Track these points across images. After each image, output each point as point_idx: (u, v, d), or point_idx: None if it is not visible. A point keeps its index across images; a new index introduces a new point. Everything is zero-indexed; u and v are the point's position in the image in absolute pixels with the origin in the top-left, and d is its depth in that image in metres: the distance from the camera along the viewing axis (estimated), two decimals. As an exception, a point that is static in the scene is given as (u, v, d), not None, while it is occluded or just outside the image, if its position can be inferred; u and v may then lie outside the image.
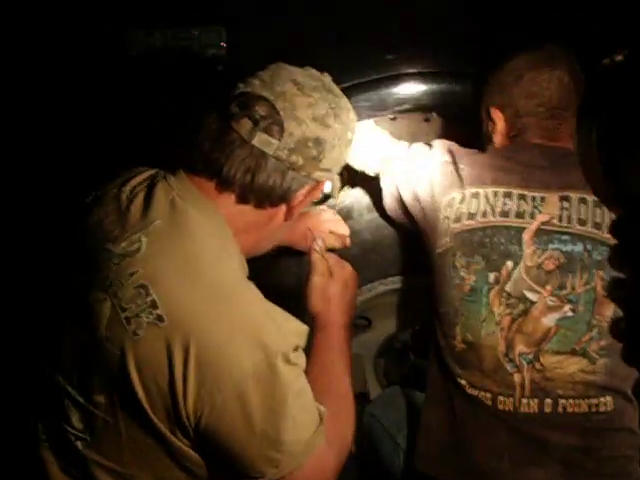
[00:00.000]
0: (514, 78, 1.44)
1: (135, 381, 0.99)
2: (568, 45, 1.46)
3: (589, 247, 1.33)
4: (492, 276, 1.34)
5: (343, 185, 1.45)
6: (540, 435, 1.33)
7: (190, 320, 0.98)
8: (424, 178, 1.47)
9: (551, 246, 1.33)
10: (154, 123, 1.55)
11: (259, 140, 1.05)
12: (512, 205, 1.36)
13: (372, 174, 1.59)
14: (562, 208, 1.35)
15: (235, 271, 1.07)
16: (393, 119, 1.69)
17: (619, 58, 0.54)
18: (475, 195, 1.39)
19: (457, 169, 1.43)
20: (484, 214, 1.37)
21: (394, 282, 1.75)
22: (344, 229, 1.59)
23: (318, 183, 1.13)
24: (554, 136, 1.42)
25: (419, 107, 1.66)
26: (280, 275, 1.65)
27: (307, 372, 1.09)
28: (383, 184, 1.57)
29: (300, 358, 1.06)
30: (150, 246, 1.04)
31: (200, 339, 0.97)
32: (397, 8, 1.63)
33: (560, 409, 1.32)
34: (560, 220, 1.34)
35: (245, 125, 1.05)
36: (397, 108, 1.66)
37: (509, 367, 1.33)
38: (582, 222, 1.34)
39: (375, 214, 1.70)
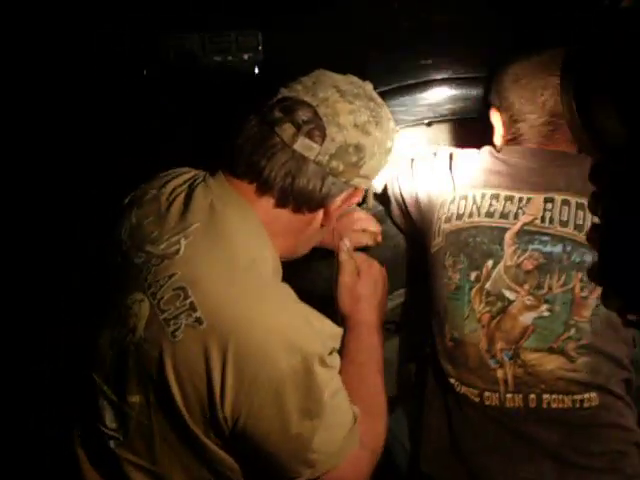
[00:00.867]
0: (511, 81, 1.46)
1: (172, 383, 1.00)
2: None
3: (569, 249, 1.35)
4: (474, 275, 1.40)
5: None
6: (527, 430, 1.37)
7: (228, 323, 0.99)
8: (424, 183, 1.55)
9: (531, 246, 1.36)
10: (187, 128, 1.57)
11: (301, 144, 1.06)
12: (498, 206, 1.41)
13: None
14: (545, 209, 1.37)
15: (271, 274, 1.08)
16: (428, 125, 1.72)
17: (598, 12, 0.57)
18: (464, 197, 1.45)
19: (452, 173, 1.50)
20: (470, 214, 1.43)
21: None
22: (375, 226, 1.61)
23: (356, 189, 1.14)
24: (548, 142, 1.44)
25: (455, 112, 1.68)
26: (312, 279, 1.68)
27: (340, 372, 1.10)
28: (389, 192, 1.65)
29: (335, 360, 1.07)
30: (189, 248, 1.05)
31: (238, 342, 0.98)
32: (431, 13, 1.67)
33: (544, 404, 1.35)
34: (542, 221, 1.37)
35: (287, 129, 1.06)
36: (431, 114, 1.68)
37: (492, 363, 1.39)
38: (563, 223, 1.36)
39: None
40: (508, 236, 1.38)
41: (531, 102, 1.43)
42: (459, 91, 1.67)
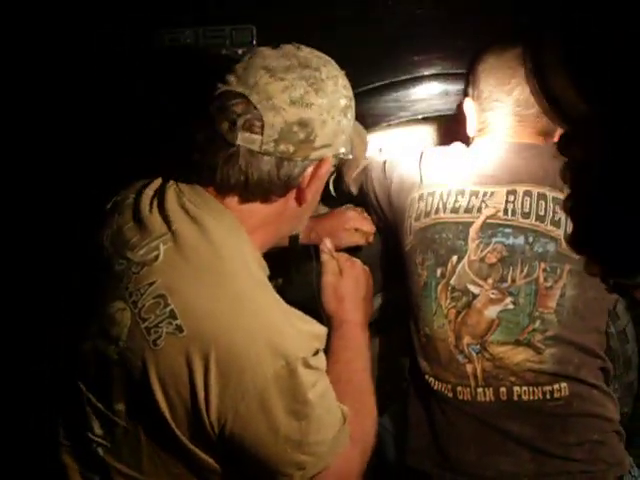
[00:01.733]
0: (483, 69, 1.46)
1: (156, 391, 1.00)
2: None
3: (531, 239, 1.33)
4: (439, 271, 1.40)
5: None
6: (501, 424, 1.36)
7: (209, 330, 0.98)
8: (395, 183, 1.56)
9: (494, 240, 1.36)
10: (187, 128, 1.57)
11: (242, 139, 1.03)
12: (463, 201, 1.40)
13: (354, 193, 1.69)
14: (507, 201, 1.36)
15: (253, 276, 1.07)
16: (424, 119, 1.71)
17: None
18: (432, 194, 1.45)
19: (421, 171, 1.50)
20: (437, 211, 1.43)
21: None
22: (369, 226, 1.62)
23: (322, 160, 1.09)
24: (514, 133, 1.43)
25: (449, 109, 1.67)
26: (293, 279, 1.68)
27: (327, 372, 1.09)
28: (365, 195, 1.66)
29: (320, 361, 1.06)
30: (167, 254, 1.04)
31: (220, 349, 0.97)
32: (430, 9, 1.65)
33: (515, 397, 1.34)
34: (505, 213, 1.36)
35: (225, 127, 1.04)
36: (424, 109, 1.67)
37: (460, 358, 1.38)
38: (525, 215, 1.35)
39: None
40: (472, 230, 1.38)
41: (499, 90, 1.43)
42: (452, 87, 1.66)
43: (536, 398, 1.34)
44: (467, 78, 1.53)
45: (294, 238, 1.47)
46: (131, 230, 1.10)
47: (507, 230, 1.35)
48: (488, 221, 1.37)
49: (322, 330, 1.09)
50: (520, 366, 1.33)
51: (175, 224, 1.07)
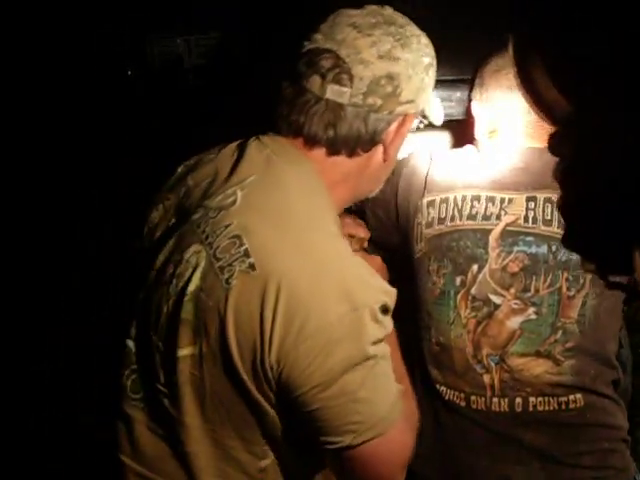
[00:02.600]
0: (492, 72, 1.43)
1: (225, 330, 1.00)
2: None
3: (554, 248, 1.31)
4: (459, 279, 1.37)
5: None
6: (514, 433, 1.35)
7: (280, 269, 0.98)
8: (402, 188, 1.50)
9: (516, 248, 1.33)
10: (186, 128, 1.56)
11: (331, 92, 1.06)
12: (479, 208, 1.37)
13: None
14: (528, 209, 1.34)
15: (326, 225, 1.07)
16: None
17: None
18: (445, 200, 1.41)
19: (431, 175, 1.45)
20: (452, 218, 1.39)
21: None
22: (363, 232, 1.54)
23: (406, 116, 1.11)
24: (532, 133, 1.40)
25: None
26: None
27: None
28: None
29: (388, 321, 1.03)
30: (245, 199, 1.06)
31: (287, 289, 0.97)
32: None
33: (530, 408, 1.33)
34: (525, 221, 1.34)
35: (315, 81, 1.06)
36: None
37: (478, 368, 1.36)
38: (547, 223, 1.32)
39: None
40: (492, 238, 1.35)
41: (510, 90, 1.39)
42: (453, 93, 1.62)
43: (551, 409, 1.33)
44: (473, 81, 1.49)
45: None
46: (210, 183, 1.12)
47: (529, 238, 1.33)
48: (508, 228, 1.34)
49: (393, 289, 1.05)
50: (539, 378, 1.32)
51: (255, 172, 1.08)
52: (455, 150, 1.51)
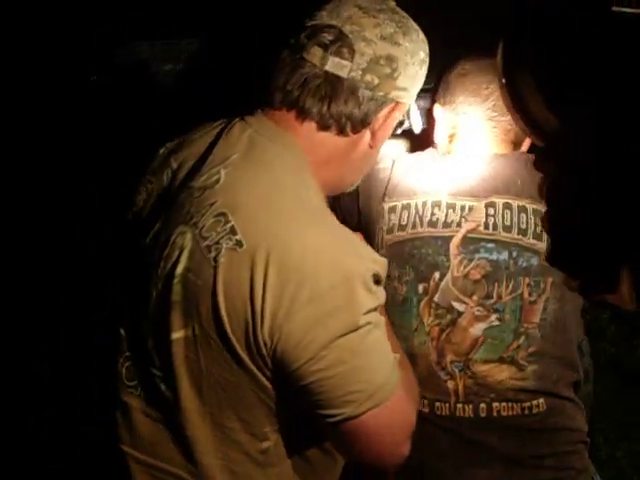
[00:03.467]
0: (459, 76, 1.43)
1: (217, 309, 0.99)
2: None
3: (514, 254, 1.32)
4: (421, 287, 1.36)
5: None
6: (479, 438, 1.35)
7: (268, 244, 0.97)
8: (364, 193, 1.49)
9: (477, 255, 1.33)
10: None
11: (332, 64, 1.06)
12: (440, 215, 1.36)
13: None
14: (488, 215, 1.34)
15: (312, 199, 1.06)
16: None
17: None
18: (406, 207, 1.40)
19: (393, 180, 1.44)
20: (414, 225, 1.38)
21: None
22: None
23: (397, 104, 1.12)
24: (494, 139, 1.41)
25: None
26: None
27: None
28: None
29: (380, 292, 1.02)
30: (228, 177, 1.05)
31: (278, 262, 0.96)
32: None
33: (495, 413, 1.34)
34: (486, 227, 1.34)
35: (316, 53, 1.07)
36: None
37: (442, 375, 1.36)
38: (507, 229, 1.33)
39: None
40: (453, 246, 1.35)
41: (475, 94, 1.40)
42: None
43: (515, 414, 1.34)
44: (437, 86, 1.49)
45: None
46: (193, 164, 1.12)
47: (490, 245, 1.33)
48: (469, 235, 1.34)
49: (382, 259, 1.06)
50: (503, 384, 1.33)
51: (238, 151, 1.08)
52: (417, 154, 1.49)
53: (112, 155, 1.60)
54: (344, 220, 1.53)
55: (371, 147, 1.13)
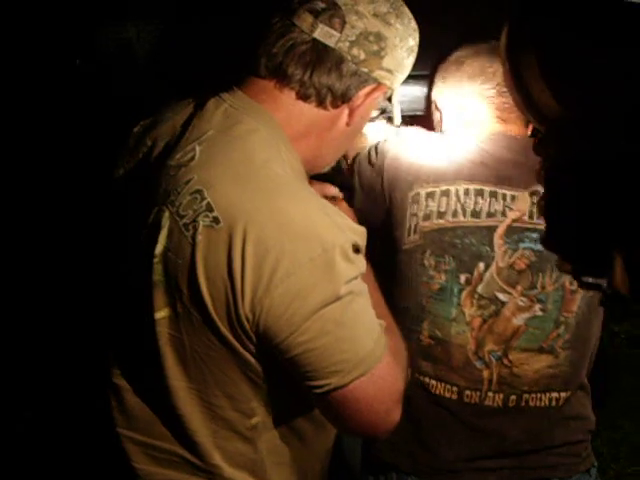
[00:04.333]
0: (456, 65, 1.42)
1: (198, 287, 0.98)
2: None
3: None
4: (463, 277, 1.33)
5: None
6: (499, 429, 1.37)
7: (244, 219, 0.96)
8: (388, 169, 1.42)
9: (522, 245, 1.31)
10: None
11: (320, 32, 1.04)
12: (483, 204, 1.33)
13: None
14: (532, 203, 1.32)
15: (288, 172, 1.04)
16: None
17: None
18: (445, 193, 1.35)
19: (423, 162, 1.38)
20: (454, 214, 1.34)
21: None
22: (334, 191, 1.45)
23: (379, 85, 1.09)
24: (506, 117, 1.38)
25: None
26: None
27: None
28: (356, 174, 1.51)
29: (360, 260, 1.00)
30: (204, 153, 1.03)
31: (255, 236, 0.95)
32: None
33: (523, 403, 1.36)
34: (530, 217, 1.32)
35: (306, 18, 1.04)
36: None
37: (478, 364, 1.35)
38: None
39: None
40: (497, 236, 1.32)
41: (482, 74, 1.38)
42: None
43: (542, 405, 1.36)
44: (438, 71, 1.46)
45: None
46: (168, 141, 1.10)
47: (534, 235, 1.31)
48: (513, 225, 1.32)
49: (361, 228, 1.03)
50: (538, 372, 1.35)
51: (212, 127, 1.06)
52: (443, 137, 1.43)
53: (98, 139, 1.55)
54: (364, 194, 1.47)
55: (348, 125, 1.11)
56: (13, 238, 1.63)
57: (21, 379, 1.68)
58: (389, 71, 1.09)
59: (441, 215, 1.34)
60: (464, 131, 1.42)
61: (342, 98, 1.07)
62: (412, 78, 1.47)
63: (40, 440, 1.62)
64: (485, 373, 1.35)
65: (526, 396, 1.35)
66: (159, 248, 1.02)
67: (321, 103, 1.07)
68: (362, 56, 1.05)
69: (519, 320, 1.32)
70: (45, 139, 1.57)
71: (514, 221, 1.32)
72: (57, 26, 1.53)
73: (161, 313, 1.03)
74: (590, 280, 0.64)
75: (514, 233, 1.32)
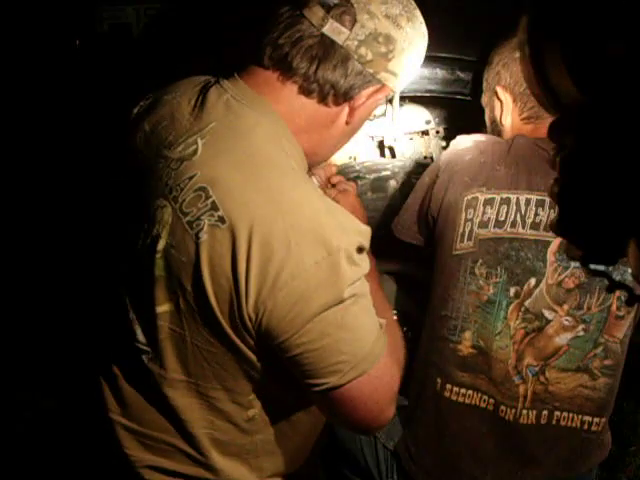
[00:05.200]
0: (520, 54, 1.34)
1: (202, 285, 0.97)
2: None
3: (610, 266, 1.30)
4: (513, 290, 1.31)
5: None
6: (529, 448, 1.36)
7: (250, 219, 0.95)
8: (446, 170, 1.37)
9: (573, 264, 1.29)
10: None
11: (330, 28, 1.02)
12: (543, 216, 1.30)
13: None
14: None
15: (294, 169, 1.02)
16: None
17: None
18: (505, 201, 1.31)
19: (485, 167, 1.33)
20: (513, 224, 1.30)
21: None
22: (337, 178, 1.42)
23: (383, 86, 1.08)
24: None
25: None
26: None
27: None
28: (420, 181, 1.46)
29: (364, 260, 1.00)
30: (207, 148, 1.01)
31: (260, 239, 0.94)
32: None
33: (554, 421, 1.35)
34: None
35: (317, 12, 1.02)
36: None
37: (516, 379, 1.33)
38: None
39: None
40: (550, 252, 1.29)
41: None
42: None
43: (574, 426, 1.35)
44: (492, 69, 1.42)
45: None
46: (167, 129, 1.07)
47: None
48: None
49: (366, 228, 1.03)
50: (572, 392, 1.34)
51: (215, 119, 1.04)
52: (504, 139, 1.38)
53: (96, 122, 1.53)
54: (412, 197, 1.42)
55: (347, 123, 1.10)
56: (13, 227, 1.61)
57: (21, 379, 1.69)
58: (394, 74, 1.08)
59: (499, 224, 1.30)
60: (522, 127, 1.39)
61: (344, 96, 1.06)
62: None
63: (40, 440, 1.64)
64: (521, 389, 1.33)
65: (557, 414, 1.34)
66: (162, 244, 1.01)
67: (323, 99, 1.05)
68: (369, 56, 1.04)
69: (562, 340, 1.31)
70: (44, 122, 1.55)
71: None
72: (57, 8, 1.51)
73: (163, 307, 1.03)
74: (599, 268, 0.65)
75: None
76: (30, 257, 1.64)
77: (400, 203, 1.52)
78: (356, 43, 1.03)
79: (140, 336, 1.08)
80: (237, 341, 1.00)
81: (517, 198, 1.30)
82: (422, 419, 1.40)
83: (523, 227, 1.30)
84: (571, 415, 1.35)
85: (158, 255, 1.02)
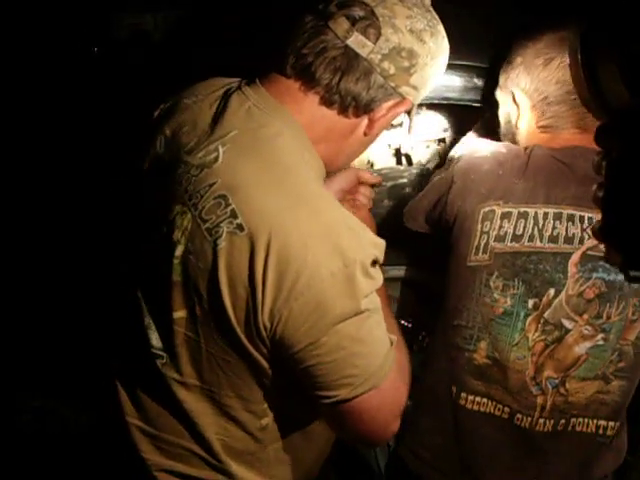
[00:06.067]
0: (543, 61, 1.33)
1: (219, 292, 0.98)
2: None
3: None
4: (531, 302, 1.30)
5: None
6: (545, 454, 1.36)
7: (269, 228, 0.95)
8: (457, 182, 1.36)
9: (594, 275, 1.29)
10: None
11: (354, 40, 1.03)
12: (561, 229, 1.28)
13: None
14: None
15: (313, 179, 1.03)
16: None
17: None
18: (523, 215, 1.29)
19: (502, 179, 1.32)
20: (531, 238, 1.29)
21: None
22: (374, 178, 1.40)
23: (403, 100, 1.09)
24: (585, 125, 1.33)
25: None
26: None
27: None
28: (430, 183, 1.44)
29: (378, 273, 1.01)
30: (228, 155, 1.02)
31: (278, 248, 0.94)
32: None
33: (570, 427, 1.35)
34: None
35: (342, 24, 1.03)
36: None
37: (534, 390, 1.33)
38: None
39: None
40: (571, 263, 1.28)
41: (568, 83, 1.30)
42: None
43: (589, 431, 1.36)
44: (511, 71, 1.39)
45: None
46: (187, 134, 1.08)
47: (608, 264, 1.29)
48: (588, 253, 1.29)
49: (381, 241, 1.04)
50: (590, 398, 1.34)
51: (237, 127, 1.04)
52: (523, 154, 1.36)
53: (114, 128, 1.54)
54: (424, 203, 1.41)
55: (365, 135, 1.11)
56: (28, 228, 1.64)
57: (22, 378, 1.71)
58: (415, 88, 1.09)
59: (517, 238, 1.29)
60: (538, 135, 1.37)
61: (365, 108, 1.07)
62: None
63: (42, 437, 1.67)
64: (540, 399, 1.34)
65: (573, 420, 1.35)
66: (180, 249, 1.02)
67: (343, 110, 1.06)
68: (392, 70, 1.05)
69: (581, 349, 1.31)
70: (61, 128, 1.55)
71: (589, 249, 1.29)
72: (76, 14, 1.51)
73: (179, 313, 1.04)
74: (639, 274, 0.64)
75: (589, 262, 1.29)
76: (46, 259, 1.66)
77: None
78: (379, 57, 1.04)
79: (155, 341, 1.09)
80: (252, 350, 1.01)
81: (535, 212, 1.29)
82: (437, 427, 1.41)
83: (541, 241, 1.29)
84: (586, 420, 1.35)
85: (176, 261, 1.02)
